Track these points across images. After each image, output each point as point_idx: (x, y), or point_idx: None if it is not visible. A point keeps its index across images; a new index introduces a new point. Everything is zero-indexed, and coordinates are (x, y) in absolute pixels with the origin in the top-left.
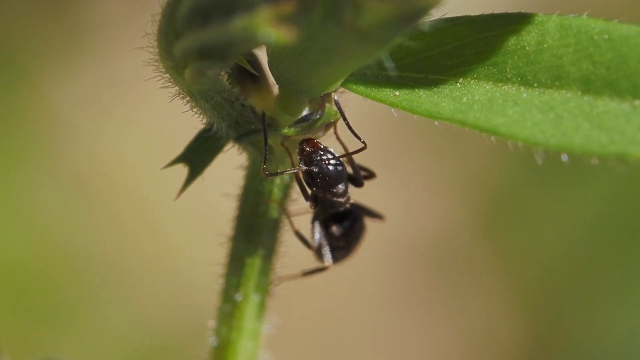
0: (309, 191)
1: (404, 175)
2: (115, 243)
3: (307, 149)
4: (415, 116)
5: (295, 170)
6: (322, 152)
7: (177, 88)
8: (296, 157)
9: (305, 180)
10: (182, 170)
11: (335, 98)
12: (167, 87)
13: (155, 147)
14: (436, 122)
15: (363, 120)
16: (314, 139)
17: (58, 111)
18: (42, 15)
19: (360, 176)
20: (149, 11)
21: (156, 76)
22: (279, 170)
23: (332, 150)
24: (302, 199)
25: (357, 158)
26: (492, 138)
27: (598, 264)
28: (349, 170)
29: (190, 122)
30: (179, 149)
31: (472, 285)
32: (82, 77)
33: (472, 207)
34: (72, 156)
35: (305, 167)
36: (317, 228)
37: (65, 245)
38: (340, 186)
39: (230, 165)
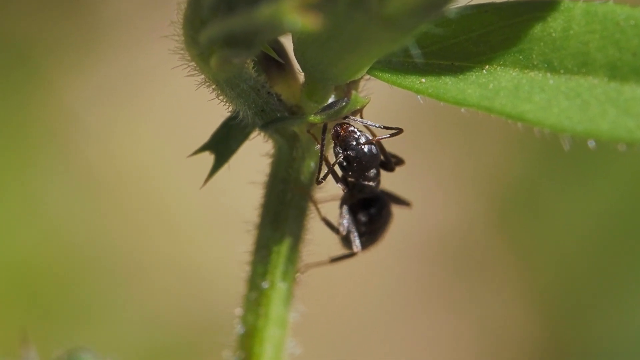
0: (340, 174)
1: (418, 171)
2: (128, 241)
3: (343, 133)
4: (427, 110)
5: (334, 164)
6: (357, 136)
7: (202, 76)
8: (327, 143)
9: (339, 164)
10: (196, 166)
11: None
12: (190, 76)
13: (168, 144)
14: (462, 109)
15: (375, 117)
16: (348, 123)
17: (70, 109)
18: (54, 13)
19: (391, 161)
20: (161, 8)
21: (175, 67)
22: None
23: (366, 134)
24: (328, 186)
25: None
26: (519, 125)
27: (613, 259)
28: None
29: (203, 119)
30: (192, 145)
31: (487, 280)
32: (94, 75)
33: (486, 202)
34: (84, 154)
35: (342, 152)
36: (346, 213)
37: (79, 243)
38: (372, 170)
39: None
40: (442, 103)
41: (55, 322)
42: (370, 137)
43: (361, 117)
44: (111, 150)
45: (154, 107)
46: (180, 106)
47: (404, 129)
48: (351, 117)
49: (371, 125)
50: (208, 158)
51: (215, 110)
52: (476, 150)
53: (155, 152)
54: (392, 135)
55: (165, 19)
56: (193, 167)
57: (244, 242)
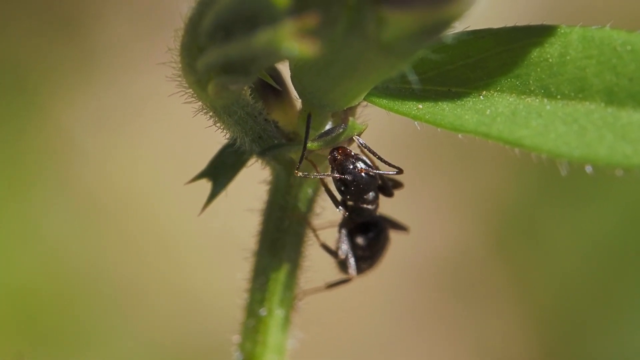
0: (339, 198)
1: (415, 195)
2: (127, 264)
3: (340, 157)
4: (424, 135)
5: (326, 176)
6: (354, 160)
7: (200, 103)
8: (324, 170)
9: (337, 188)
10: (195, 190)
11: (361, 141)
12: (187, 103)
13: (166, 169)
14: (460, 135)
15: (373, 143)
16: (345, 147)
17: (68, 134)
18: (50, 38)
19: (389, 185)
20: (158, 33)
21: (171, 95)
22: (310, 195)
23: (363, 158)
24: (325, 213)
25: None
26: (516, 150)
27: (611, 282)
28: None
29: (201, 143)
30: (190, 168)
31: (485, 304)
32: (91, 100)
33: (483, 225)
34: (83, 178)
35: (339, 175)
36: (345, 236)
37: (77, 268)
38: (371, 194)
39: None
40: (439, 129)
41: (53, 346)
42: (369, 162)
43: (368, 148)
44: (109, 175)
45: (152, 131)
46: (178, 131)
47: (403, 169)
48: (360, 141)
49: (375, 156)
50: (206, 183)
51: (214, 133)
52: (473, 174)
53: (154, 176)
54: (391, 173)
55: (162, 44)
56: (191, 192)
57: (242, 269)
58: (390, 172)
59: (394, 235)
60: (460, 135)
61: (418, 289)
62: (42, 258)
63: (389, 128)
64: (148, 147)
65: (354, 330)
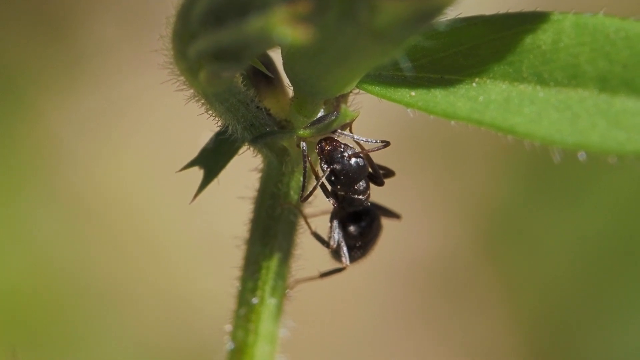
0: (330, 188)
1: (403, 195)
2: (115, 267)
3: (327, 147)
4: (411, 135)
5: (321, 181)
6: (342, 149)
7: (191, 91)
8: (314, 158)
9: (327, 178)
10: (184, 188)
11: (346, 133)
12: (179, 91)
13: (154, 169)
14: (452, 122)
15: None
16: (332, 137)
17: (57, 136)
18: (38, 41)
19: (380, 174)
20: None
21: (163, 83)
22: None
23: (351, 146)
24: (317, 201)
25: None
26: (509, 138)
27: (599, 283)
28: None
29: (188, 145)
30: (178, 167)
31: (473, 305)
32: (80, 102)
33: (472, 227)
34: (71, 180)
35: (327, 167)
36: (336, 227)
37: (66, 271)
38: (361, 183)
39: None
40: (428, 125)
41: (42, 350)
42: (357, 150)
43: (350, 132)
44: (98, 177)
45: (140, 132)
46: (166, 132)
47: (390, 142)
48: (339, 131)
49: (358, 139)
50: (195, 180)
51: (202, 135)
52: (461, 176)
53: (142, 177)
54: (378, 148)
55: (149, 47)
56: (181, 190)
57: (234, 258)
58: (377, 146)
59: (382, 237)
60: (452, 123)
61: (406, 290)
62: (31, 261)
63: (376, 130)
64: (136, 148)
65: (342, 331)
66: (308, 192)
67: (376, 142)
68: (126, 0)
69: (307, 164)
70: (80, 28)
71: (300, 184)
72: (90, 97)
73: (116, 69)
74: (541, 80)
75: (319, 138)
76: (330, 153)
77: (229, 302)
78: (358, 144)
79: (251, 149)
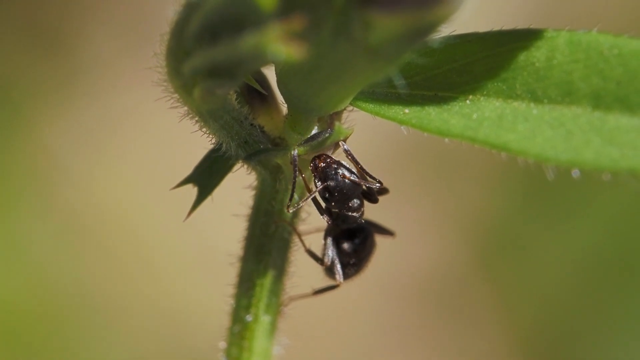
0: (324, 206)
1: (399, 210)
2: (110, 282)
3: (321, 164)
4: (407, 149)
5: (313, 195)
6: (335, 167)
7: (186, 108)
8: (308, 176)
9: (321, 195)
10: (178, 204)
11: (345, 147)
12: (173, 108)
13: (149, 185)
14: (446, 140)
15: (357, 152)
16: (325, 154)
17: (52, 150)
18: (35, 55)
19: (374, 192)
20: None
21: (158, 100)
22: (296, 200)
23: (345, 163)
24: (311, 218)
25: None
26: (503, 155)
27: (595, 300)
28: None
29: (184, 160)
30: (173, 183)
31: (468, 321)
32: (75, 117)
33: (467, 240)
34: (66, 196)
35: (321, 184)
36: (330, 244)
37: (61, 285)
38: (355, 200)
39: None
40: (423, 141)
41: None
42: (351, 168)
43: (352, 155)
44: (93, 192)
45: (135, 147)
46: (161, 147)
47: (383, 184)
48: (345, 147)
49: (358, 165)
50: (190, 196)
51: (197, 150)
52: (456, 191)
53: (137, 192)
54: (371, 185)
55: (144, 61)
56: (176, 206)
57: (228, 275)
58: (371, 185)
59: (377, 253)
60: (446, 140)
61: (401, 306)
62: (26, 275)
63: (370, 146)
64: (131, 163)
65: (336, 348)
66: (297, 204)
67: (372, 177)
68: (122, 15)
69: (297, 173)
70: (76, 43)
71: (295, 201)
72: (86, 112)
73: (111, 85)
74: (535, 97)
75: (312, 155)
76: (324, 170)
77: (224, 319)
78: (354, 162)
79: (245, 166)
